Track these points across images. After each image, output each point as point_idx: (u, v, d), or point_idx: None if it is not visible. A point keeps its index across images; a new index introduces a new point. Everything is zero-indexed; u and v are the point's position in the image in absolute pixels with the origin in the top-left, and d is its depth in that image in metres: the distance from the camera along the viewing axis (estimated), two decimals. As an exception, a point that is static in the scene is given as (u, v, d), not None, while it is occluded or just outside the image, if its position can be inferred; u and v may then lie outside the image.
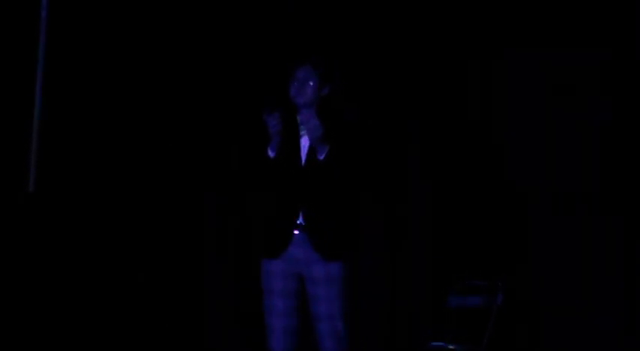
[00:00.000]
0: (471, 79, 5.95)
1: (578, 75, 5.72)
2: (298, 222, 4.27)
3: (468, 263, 5.74)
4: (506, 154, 5.88)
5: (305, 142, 4.31)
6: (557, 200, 5.74)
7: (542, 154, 5.79)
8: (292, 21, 6.08)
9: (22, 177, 5.96)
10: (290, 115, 4.35)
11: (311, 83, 4.33)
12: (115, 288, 6.12)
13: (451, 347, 5.32)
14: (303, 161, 4.29)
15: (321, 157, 4.20)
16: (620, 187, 5.60)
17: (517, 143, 5.86)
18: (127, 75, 6.21)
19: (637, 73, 5.59)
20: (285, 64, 4.43)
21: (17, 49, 5.97)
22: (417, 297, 5.86)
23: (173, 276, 6.22)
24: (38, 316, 5.94)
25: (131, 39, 6.21)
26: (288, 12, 5.89)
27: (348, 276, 4.25)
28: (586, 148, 5.72)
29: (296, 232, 4.27)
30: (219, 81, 6.26)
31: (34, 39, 5.96)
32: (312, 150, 4.27)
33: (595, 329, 5.56)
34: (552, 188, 5.78)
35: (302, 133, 4.34)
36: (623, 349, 5.45)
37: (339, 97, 4.37)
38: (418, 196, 5.95)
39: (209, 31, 6.28)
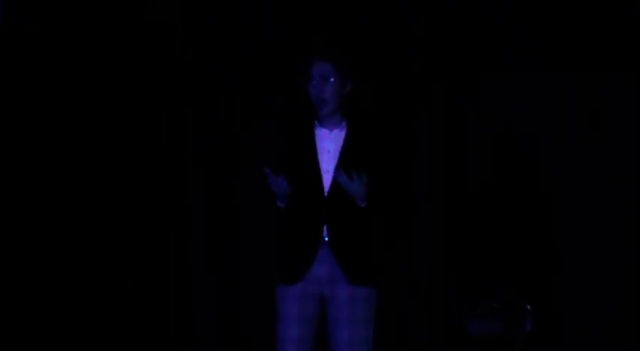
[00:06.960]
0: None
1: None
2: (323, 238, 3.98)
3: (488, 284, 5.41)
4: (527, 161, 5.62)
5: (326, 154, 4.01)
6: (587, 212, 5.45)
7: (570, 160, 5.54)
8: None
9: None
10: (304, 131, 4.05)
11: (332, 80, 4.00)
12: (86, 283, 5.89)
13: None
14: (327, 186, 3.98)
15: (363, 204, 3.92)
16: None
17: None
18: (90, 73, 5.93)
19: None
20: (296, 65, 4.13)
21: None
22: (434, 320, 5.54)
23: (147, 276, 5.92)
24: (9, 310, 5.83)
25: (90, 37, 5.92)
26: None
27: (375, 300, 4.00)
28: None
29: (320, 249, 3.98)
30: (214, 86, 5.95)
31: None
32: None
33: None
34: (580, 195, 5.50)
35: (320, 133, 4.03)
36: None
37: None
38: (430, 212, 5.64)
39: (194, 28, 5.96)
